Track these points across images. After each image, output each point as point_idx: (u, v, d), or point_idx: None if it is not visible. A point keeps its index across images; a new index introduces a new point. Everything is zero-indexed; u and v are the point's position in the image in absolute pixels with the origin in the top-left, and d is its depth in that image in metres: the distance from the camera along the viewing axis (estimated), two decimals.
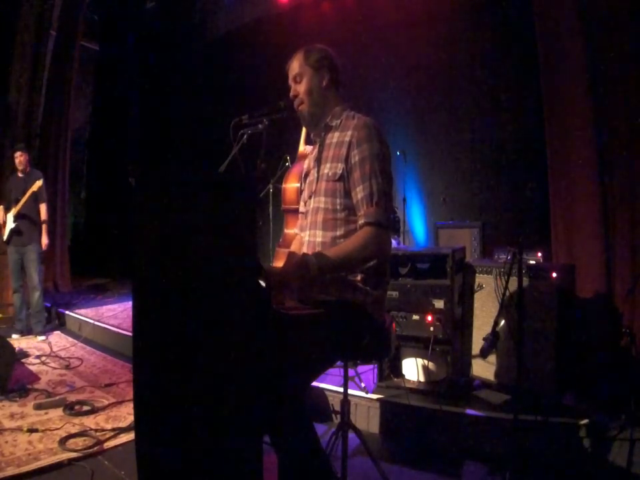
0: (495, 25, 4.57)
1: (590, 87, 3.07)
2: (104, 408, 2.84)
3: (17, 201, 4.44)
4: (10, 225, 4.47)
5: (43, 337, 4.48)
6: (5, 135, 5.76)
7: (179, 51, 7.46)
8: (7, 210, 4.55)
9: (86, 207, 8.30)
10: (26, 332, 4.59)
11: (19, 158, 4.54)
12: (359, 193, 1.60)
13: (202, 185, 1.24)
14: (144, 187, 1.22)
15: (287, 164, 4.06)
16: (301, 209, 1.88)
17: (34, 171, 4.73)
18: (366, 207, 1.58)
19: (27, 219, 4.49)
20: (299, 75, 1.72)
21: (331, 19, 5.68)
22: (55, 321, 5.16)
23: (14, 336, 4.46)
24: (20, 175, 4.61)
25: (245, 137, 1.78)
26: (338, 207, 1.65)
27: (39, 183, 4.43)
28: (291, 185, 3.57)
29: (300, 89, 1.72)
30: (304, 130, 3.64)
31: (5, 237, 4.52)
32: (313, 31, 5.49)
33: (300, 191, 1.91)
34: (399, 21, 5.06)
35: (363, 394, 2.68)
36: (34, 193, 4.46)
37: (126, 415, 2.75)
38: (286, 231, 3.66)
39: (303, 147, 3.75)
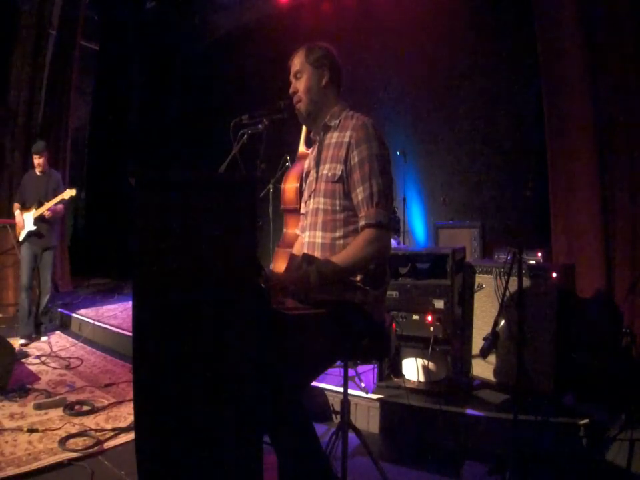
0: (494, 24, 4.58)
1: (590, 86, 3.07)
2: (104, 408, 2.83)
3: (40, 203, 4.28)
4: (30, 226, 4.30)
5: (44, 337, 4.47)
6: (5, 135, 5.76)
7: (179, 51, 7.46)
8: (23, 209, 4.38)
9: (86, 207, 8.29)
10: (33, 339, 4.36)
11: (38, 160, 4.40)
12: (359, 194, 1.60)
13: (202, 185, 1.24)
14: (144, 186, 1.22)
15: (286, 164, 4.06)
16: (302, 210, 1.88)
17: (52, 170, 4.59)
18: (366, 208, 1.58)
19: (46, 222, 4.35)
20: (299, 71, 1.73)
21: (331, 19, 5.69)
22: (55, 321, 5.15)
23: (21, 341, 4.19)
24: (38, 173, 4.47)
25: (245, 137, 1.79)
26: (337, 208, 1.65)
27: (73, 192, 4.26)
28: (290, 185, 3.57)
29: (299, 86, 1.73)
30: (304, 130, 3.64)
31: (20, 238, 4.36)
32: (313, 30, 5.49)
33: (300, 191, 1.92)
34: (399, 21, 5.06)
35: (363, 394, 2.68)
36: (55, 195, 4.31)
37: (126, 415, 2.75)
38: (286, 230, 3.66)
39: (303, 148, 3.75)
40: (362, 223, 1.59)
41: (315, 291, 1.51)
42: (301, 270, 1.62)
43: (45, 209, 4.28)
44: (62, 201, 4.36)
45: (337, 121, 1.73)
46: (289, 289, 1.50)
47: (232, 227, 1.21)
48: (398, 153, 4.58)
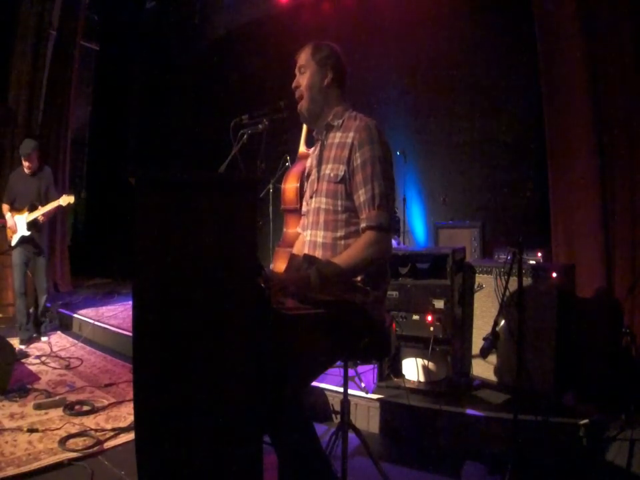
0: (494, 24, 4.57)
1: (590, 86, 3.07)
2: (104, 408, 2.84)
3: (33, 207, 4.14)
4: (23, 231, 4.15)
5: (44, 338, 4.46)
6: (5, 134, 5.75)
7: (179, 50, 7.46)
8: (14, 210, 4.23)
9: (86, 207, 8.29)
10: (34, 340, 4.35)
11: (27, 163, 4.22)
12: (360, 196, 1.61)
13: (202, 185, 1.24)
14: (144, 186, 1.22)
15: (286, 164, 4.06)
16: (303, 208, 1.88)
17: (43, 167, 4.41)
18: (368, 210, 1.59)
19: (37, 226, 4.23)
20: (303, 67, 1.74)
21: (331, 19, 5.68)
22: (55, 321, 5.14)
23: (21, 346, 4.13)
24: (28, 172, 4.28)
25: (245, 136, 1.79)
26: (339, 208, 1.65)
27: (70, 200, 4.10)
28: (290, 185, 3.57)
29: (302, 81, 1.74)
30: (304, 130, 3.63)
31: (13, 243, 4.21)
32: (313, 30, 5.48)
33: (300, 191, 1.92)
34: (399, 21, 5.06)
35: (363, 394, 2.68)
36: (48, 193, 4.23)
37: (126, 415, 2.75)
38: (286, 230, 3.65)
39: (303, 148, 3.75)
40: (363, 225, 1.59)
41: (315, 292, 1.52)
42: (302, 270, 1.63)
43: (39, 213, 4.14)
44: (52, 196, 4.24)
45: (340, 121, 1.73)
46: (289, 289, 1.50)
47: (232, 226, 1.21)
48: (398, 153, 4.57)
